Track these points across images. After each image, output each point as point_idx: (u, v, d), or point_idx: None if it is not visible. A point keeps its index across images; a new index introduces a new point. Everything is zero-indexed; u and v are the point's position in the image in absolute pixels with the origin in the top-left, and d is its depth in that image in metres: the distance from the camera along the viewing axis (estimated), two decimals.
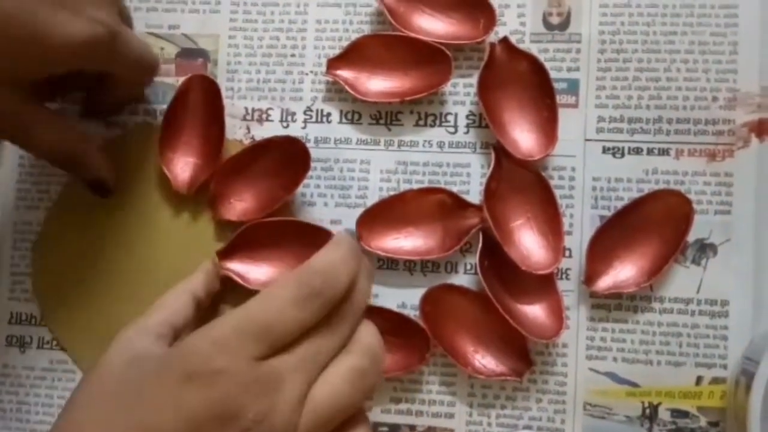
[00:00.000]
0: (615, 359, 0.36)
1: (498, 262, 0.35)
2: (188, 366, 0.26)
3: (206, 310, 0.34)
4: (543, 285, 0.35)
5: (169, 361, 0.27)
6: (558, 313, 0.35)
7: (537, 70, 0.36)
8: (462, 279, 0.37)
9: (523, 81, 0.36)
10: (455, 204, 0.36)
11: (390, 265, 0.37)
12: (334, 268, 0.29)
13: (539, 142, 0.36)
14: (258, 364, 0.27)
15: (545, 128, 0.36)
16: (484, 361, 0.35)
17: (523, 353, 0.35)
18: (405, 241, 0.37)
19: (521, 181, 0.36)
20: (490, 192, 0.35)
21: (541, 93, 0.36)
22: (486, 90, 0.36)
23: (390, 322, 0.35)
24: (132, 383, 0.27)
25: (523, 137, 0.36)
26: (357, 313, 0.30)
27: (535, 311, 0.35)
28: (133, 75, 0.37)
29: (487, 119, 0.36)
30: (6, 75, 0.32)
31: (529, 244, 0.36)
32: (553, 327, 0.35)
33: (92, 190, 0.38)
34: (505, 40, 0.36)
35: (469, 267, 0.37)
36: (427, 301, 0.36)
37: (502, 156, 0.36)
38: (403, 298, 0.37)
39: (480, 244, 0.35)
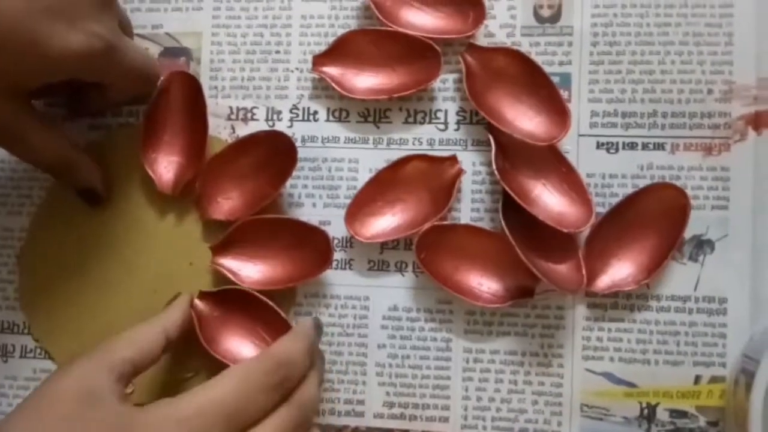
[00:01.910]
0: (612, 359, 0.35)
1: (519, 217, 0.34)
2: None
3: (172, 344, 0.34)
4: (562, 241, 0.35)
5: (127, 425, 0.27)
6: (578, 270, 0.34)
7: (518, 59, 0.35)
8: None
9: (509, 75, 0.35)
10: (430, 164, 0.36)
11: (381, 266, 0.36)
12: (296, 359, 0.31)
13: (552, 122, 0.35)
14: None
15: (551, 109, 0.35)
16: (492, 287, 0.35)
17: (528, 271, 0.34)
18: (399, 216, 0.36)
19: (527, 151, 0.35)
20: (501, 171, 0.34)
21: (531, 78, 0.35)
22: (478, 95, 0.36)
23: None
24: (82, 424, 0.27)
25: (533, 125, 0.35)
26: (308, 404, 0.32)
27: (556, 265, 0.35)
28: (130, 86, 0.36)
29: (491, 121, 0.35)
30: (4, 84, 0.32)
31: (558, 207, 0.35)
32: (574, 281, 0.34)
33: (84, 199, 0.38)
34: (471, 47, 0.36)
35: None
36: (420, 247, 0.35)
37: (497, 134, 0.35)
38: (394, 300, 0.36)
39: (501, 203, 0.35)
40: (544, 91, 0.35)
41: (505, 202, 0.34)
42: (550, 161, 0.35)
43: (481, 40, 0.37)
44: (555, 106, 0.35)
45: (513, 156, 0.35)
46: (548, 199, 0.35)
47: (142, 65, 0.36)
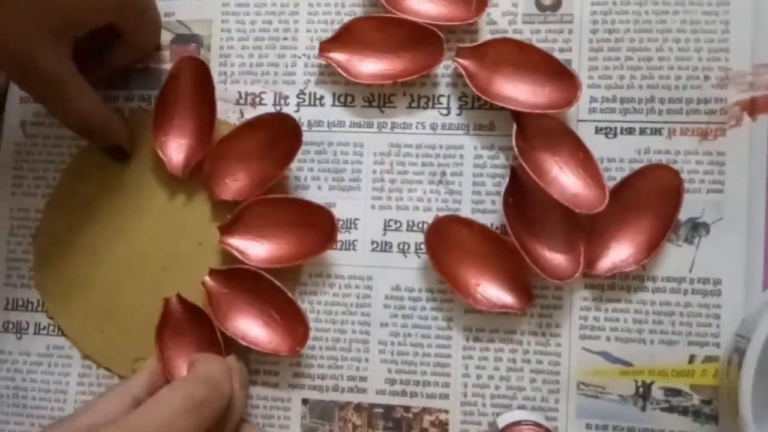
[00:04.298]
0: (608, 339, 0.36)
1: (522, 200, 0.35)
2: None
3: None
4: (566, 226, 0.36)
5: None
6: (576, 257, 0.35)
7: (508, 45, 0.36)
8: None
9: (505, 61, 0.36)
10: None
11: (384, 247, 0.37)
12: (220, 377, 0.32)
13: (562, 87, 0.36)
14: None
15: (557, 75, 0.36)
16: (486, 294, 0.36)
17: (526, 289, 0.35)
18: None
19: (546, 134, 0.36)
20: (521, 150, 0.35)
21: (526, 57, 0.36)
22: (485, 90, 0.36)
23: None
24: None
25: (545, 95, 0.36)
26: (236, 419, 0.34)
27: (553, 252, 0.35)
28: (147, 33, 0.38)
29: (510, 108, 0.36)
30: (57, 23, 0.32)
31: (573, 188, 0.35)
32: (570, 269, 0.35)
33: (112, 156, 0.39)
34: (459, 50, 0.36)
35: None
36: (432, 232, 0.36)
37: (519, 115, 0.36)
38: (397, 280, 0.37)
39: (508, 180, 0.35)
40: (542, 63, 0.36)
41: (509, 186, 0.35)
42: (567, 146, 0.36)
43: (483, 28, 0.37)
44: (559, 72, 0.36)
45: (532, 137, 0.36)
46: (564, 181, 0.36)
47: (157, 10, 0.38)
